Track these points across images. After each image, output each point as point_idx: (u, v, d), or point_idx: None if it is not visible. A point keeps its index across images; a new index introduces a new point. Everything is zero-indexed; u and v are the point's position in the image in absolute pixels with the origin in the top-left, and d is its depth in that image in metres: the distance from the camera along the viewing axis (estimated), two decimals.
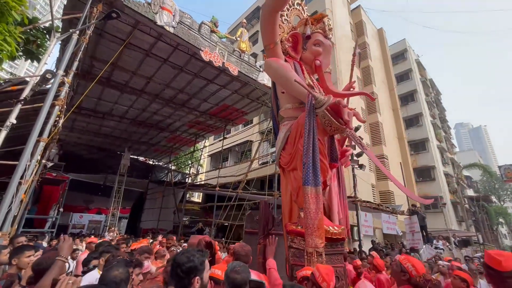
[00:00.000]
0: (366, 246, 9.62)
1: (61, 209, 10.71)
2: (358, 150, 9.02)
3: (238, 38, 8.56)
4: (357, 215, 7.51)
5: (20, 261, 1.99)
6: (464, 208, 22.61)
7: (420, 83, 24.56)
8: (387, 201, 15.29)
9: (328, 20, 3.35)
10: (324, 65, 3.22)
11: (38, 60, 6.86)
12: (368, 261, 3.92)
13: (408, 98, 23.90)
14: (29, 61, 7.01)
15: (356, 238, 10.14)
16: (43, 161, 7.48)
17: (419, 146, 22.02)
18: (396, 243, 11.22)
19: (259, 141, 12.77)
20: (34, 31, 6.29)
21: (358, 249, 7.44)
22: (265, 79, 8.90)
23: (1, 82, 5.02)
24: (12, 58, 5.25)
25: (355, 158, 8.10)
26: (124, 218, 21.03)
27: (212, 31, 7.73)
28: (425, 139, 21.69)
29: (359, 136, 2.59)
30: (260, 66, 8.90)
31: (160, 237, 6.92)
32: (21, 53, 6.53)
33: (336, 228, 2.35)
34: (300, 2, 3.82)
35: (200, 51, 7.27)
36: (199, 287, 1.31)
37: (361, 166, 8.26)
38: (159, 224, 16.12)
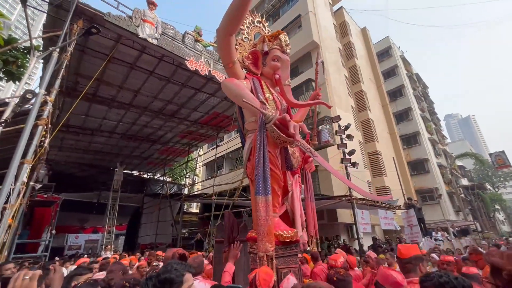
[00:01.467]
0: (367, 243, 9.61)
1: (54, 231, 10.40)
2: (350, 148, 9.08)
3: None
4: (353, 213, 7.49)
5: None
6: (460, 197, 22.89)
7: (407, 78, 25.05)
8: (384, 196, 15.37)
9: (284, 36, 3.59)
10: (283, 78, 3.47)
11: (20, 81, 6.74)
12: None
13: (396, 93, 24.31)
14: (16, 83, 6.89)
15: (355, 236, 10.13)
16: (31, 183, 7.29)
17: (411, 140, 22.32)
18: (395, 239, 11.24)
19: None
20: (13, 51, 6.19)
21: (359, 248, 7.40)
22: None
23: None
24: None
25: (347, 156, 8.12)
26: (122, 235, 20.62)
27: (196, 40, 7.73)
28: (416, 132, 22.01)
29: (311, 148, 2.82)
30: None
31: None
32: (1, 75, 6.42)
33: (289, 232, 2.56)
34: (260, 20, 4.07)
35: (186, 61, 7.25)
36: None
37: (354, 164, 8.28)
38: (157, 238, 15.82)
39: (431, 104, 30.61)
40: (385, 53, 26.03)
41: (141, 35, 6.30)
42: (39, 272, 1.30)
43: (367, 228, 7.54)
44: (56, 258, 10.49)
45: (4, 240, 5.62)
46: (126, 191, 16.60)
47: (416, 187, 20.37)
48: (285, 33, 3.68)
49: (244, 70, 3.50)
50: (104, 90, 9.10)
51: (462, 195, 23.83)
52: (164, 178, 18.86)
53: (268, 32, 3.94)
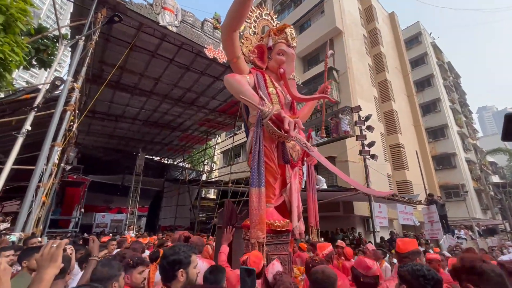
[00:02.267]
0: (385, 237, 9.42)
1: (82, 210, 11.19)
2: (370, 140, 8.78)
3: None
4: (370, 206, 7.34)
5: (30, 263, 2.08)
6: (489, 195, 21.57)
7: (437, 67, 23.45)
8: (405, 191, 14.83)
9: (290, 30, 3.62)
10: (288, 72, 3.53)
11: (50, 68, 7.14)
12: (337, 251, 4.12)
13: (424, 83, 22.90)
14: (47, 70, 7.32)
15: (371, 230, 9.97)
16: (62, 164, 7.85)
17: (437, 133, 21.12)
18: (414, 234, 10.91)
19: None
20: (44, 40, 6.54)
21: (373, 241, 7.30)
22: None
23: (16, 91, 5.26)
24: (24, 67, 5.49)
25: (366, 148, 7.87)
26: (144, 216, 21.81)
27: (215, 28, 7.70)
28: (444, 125, 20.77)
29: (306, 143, 2.95)
30: None
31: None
32: (35, 62, 6.83)
33: (281, 222, 2.76)
34: (268, 13, 4.11)
35: (204, 49, 7.27)
36: (183, 280, 1.35)
37: (373, 156, 8.02)
38: (176, 221, 16.55)
39: (462, 95, 28.56)
40: (414, 39, 24.40)
41: (161, 23, 6.38)
42: (65, 241, 1.42)
43: (384, 222, 7.37)
44: (85, 235, 11.38)
45: (40, 216, 6.17)
46: (148, 175, 17.38)
47: (441, 182, 19.43)
48: (291, 27, 3.72)
49: (250, 64, 3.60)
50: (127, 77, 9.42)
51: (492, 193, 22.40)
52: (184, 164, 19.46)
53: (276, 25, 3.96)
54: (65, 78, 4.81)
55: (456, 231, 10.61)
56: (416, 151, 12.18)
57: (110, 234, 11.56)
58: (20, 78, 47.80)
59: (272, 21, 4.06)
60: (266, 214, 2.80)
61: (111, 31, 7.07)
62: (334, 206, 10.72)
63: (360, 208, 10.56)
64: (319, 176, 9.08)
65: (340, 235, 9.77)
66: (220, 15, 7.89)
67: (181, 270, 1.36)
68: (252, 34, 3.81)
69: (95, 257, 1.83)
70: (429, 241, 8.18)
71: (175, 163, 20.77)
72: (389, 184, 14.23)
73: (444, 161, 20.26)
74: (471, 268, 1.43)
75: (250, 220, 2.63)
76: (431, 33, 26.35)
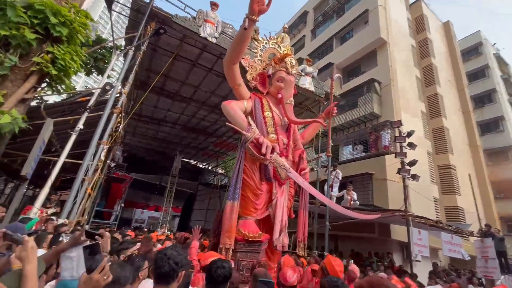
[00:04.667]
0: (427, 268, 8.37)
1: (122, 204, 12.11)
2: (409, 158, 8.02)
3: (280, 45, 8.54)
4: (408, 231, 6.62)
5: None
6: None
7: (501, 81, 20.75)
8: (455, 218, 13.16)
9: (290, 59, 4.14)
10: (285, 97, 3.97)
11: (108, 76, 8.01)
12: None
13: (484, 99, 20.41)
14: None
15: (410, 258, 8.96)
16: (108, 161, 8.66)
17: (499, 155, 18.52)
18: (469, 269, 9.50)
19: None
20: (103, 50, 7.40)
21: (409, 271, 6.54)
22: (306, 83, 8.69)
23: (75, 94, 6.00)
24: (86, 73, 6.21)
25: (406, 167, 7.19)
26: (178, 216, 22.84)
27: (253, 39, 7.89)
28: (508, 147, 18.14)
29: (285, 164, 3.43)
30: (301, 70, 8.72)
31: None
32: (93, 70, 7.76)
33: (254, 233, 3.16)
34: (276, 41, 4.75)
35: (241, 59, 7.48)
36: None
37: (414, 177, 7.28)
38: (206, 224, 16.95)
39: None
40: (473, 50, 22.03)
41: (202, 34, 6.77)
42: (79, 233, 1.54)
43: (424, 251, 6.56)
44: (122, 227, 12.29)
45: (85, 206, 6.84)
46: (184, 177, 18.27)
47: (502, 213, 16.82)
48: (292, 56, 4.24)
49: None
50: (170, 85, 10.12)
51: None
52: (217, 169, 20.01)
53: (283, 52, 4.56)
54: (114, 84, 5.35)
55: None
56: (469, 174, 10.75)
57: (145, 229, 12.31)
58: (85, 83, 54.66)
59: (279, 49, 4.56)
60: (244, 225, 3.22)
61: (158, 42, 7.70)
62: (368, 227, 9.95)
63: (398, 233, 9.61)
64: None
65: (374, 259, 8.98)
66: (258, 27, 8.08)
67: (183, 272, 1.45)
68: (257, 62, 4.31)
69: (104, 253, 1.92)
70: (482, 280, 7.06)
71: (210, 167, 21.49)
72: (436, 209, 12.76)
73: (507, 189, 17.55)
74: None
75: (222, 229, 3.04)
76: (494, 43, 23.57)
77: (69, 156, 5.91)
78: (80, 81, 56.16)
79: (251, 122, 3.50)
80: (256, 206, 3.39)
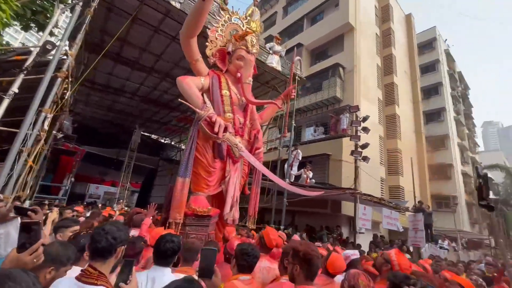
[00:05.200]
0: (369, 239, 9.48)
1: (73, 179, 11.26)
2: (362, 142, 8.69)
3: (249, 17, 8.20)
4: (354, 207, 7.35)
5: (65, 235, 2.10)
6: (479, 210, 21.64)
7: (447, 76, 23.00)
8: (396, 196, 14.87)
9: (251, 37, 4.05)
10: (244, 76, 3.92)
11: (51, 34, 6.95)
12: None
13: (431, 91, 22.53)
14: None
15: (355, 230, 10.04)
16: (54, 131, 7.81)
17: (438, 142, 20.98)
18: (401, 239, 10.99)
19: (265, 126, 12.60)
20: (44, 2, 6.35)
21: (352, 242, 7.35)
22: (274, 62, 8.61)
23: (8, 51, 5.15)
24: (22, 28, 5.32)
25: (358, 149, 7.80)
26: (137, 192, 22.03)
27: (222, 9, 7.44)
28: (445, 135, 20.60)
29: (237, 143, 3.53)
30: (270, 48, 8.58)
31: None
32: (32, 24, 6.67)
33: (203, 208, 3.31)
34: (239, 17, 4.63)
35: (207, 30, 7.05)
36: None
37: (364, 159, 7.96)
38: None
39: (469, 108, 28.18)
40: (428, 45, 23.80)
41: None
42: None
43: (367, 224, 7.39)
44: (79, 202, 11.54)
45: (27, 180, 6.19)
46: (144, 152, 17.43)
47: (434, 192, 19.47)
48: (253, 34, 4.17)
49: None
50: (128, 51, 9.22)
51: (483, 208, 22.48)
52: (180, 145, 19.45)
53: (245, 29, 4.39)
54: (58, 43, 4.68)
55: (439, 241, 10.70)
56: (411, 158, 12.08)
57: (100, 205, 11.70)
58: (26, 40, 47.09)
59: (242, 25, 4.45)
60: (194, 200, 3.33)
61: (114, 0, 6.84)
62: (322, 203, 10.76)
63: (348, 208, 10.60)
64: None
65: (325, 232, 9.85)
66: None
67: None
68: (218, 38, 4.18)
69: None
70: (409, 248, 8.26)
71: (172, 143, 20.76)
72: (381, 188, 14.24)
73: (440, 171, 20.22)
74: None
75: (172, 204, 3.15)
76: (446, 40, 25.69)
77: (4, 124, 5.19)
78: (19, 38, 48.28)
79: (206, 100, 3.54)
80: (208, 183, 3.49)
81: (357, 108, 8.37)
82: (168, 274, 1.68)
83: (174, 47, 8.77)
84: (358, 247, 7.48)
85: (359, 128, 8.09)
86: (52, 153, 10.92)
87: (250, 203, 4.05)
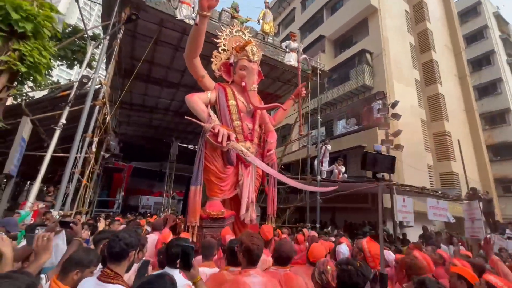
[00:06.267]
0: (415, 232, 8.76)
1: (122, 193, 12.50)
2: (403, 128, 8.07)
3: (261, 20, 8.32)
4: (391, 199, 6.86)
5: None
6: None
7: (500, 41, 20.11)
8: (449, 184, 13.41)
9: (250, 47, 4.26)
10: (249, 84, 4.19)
11: (90, 67, 7.93)
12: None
13: (482, 61, 19.91)
14: (87, 69, 8.19)
15: (403, 224, 9.31)
16: (101, 152, 8.82)
17: (496, 118, 18.43)
18: (456, 232, 9.88)
19: (303, 120, 12.47)
20: (81, 41, 7.28)
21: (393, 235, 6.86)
22: (291, 60, 8.54)
23: (56, 88, 6.02)
24: (68, 66, 6.17)
25: (390, 137, 7.27)
26: (182, 200, 23.55)
27: (233, 17, 7.68)
28: (506, 109, 17.99)
29: (242, 150, 3.75)
30: (286, 47, 8.55)
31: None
32: (76, 62, 7.69)
33: (217, 211, 3.58)
34: (240, 29, 4.80)
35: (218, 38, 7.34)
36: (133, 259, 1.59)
37: (397, 147, 7.38)
38: None
39: None
40: (471, 11, 21.11)
41: (178, 17, 6.60)
42: (53, 235, 1.70)
43: (408, 217, 6.82)
44: (133, 213, 12.80)
45: (86, 197, 7.11)
46: (184, 162, 18.54)
47: (498, 175, 17.08)
48: (252, 43, 4.37)
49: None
50: (156, 71, 10.00)
51: None
52: None
53: (248, 39, 4.64)
54: (92, 76, 5.34)
55: (508, 231, 9.35)
56: (458, 140, 10.79)
57: (148, 214, 12.79)
58: (69, 75, 53.73)
59: (244, 36, 4.62)
60: (209, 205, 3.65)
61: (137, 28, 7.52)
62: (362, 198, 10.22)
63: (390, 201, 9.93)
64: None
65: (367, 227, 9.35)
66: (238, 4, 7.82)
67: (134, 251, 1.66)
68: (222, 52, 4.44)
69: (78, 238, 2.09)
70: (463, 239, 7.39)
71: None
72: (430, 177, 12.98)
73: (504, 151, 17.69)
74: None
75: (188, 210, 3.51)
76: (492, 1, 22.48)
77: (59, 150, 6.06)
78: (67, 75, 55.17)
79: (211, 113, 3.86)
80: (222, 188, 3.79)
81: (382, 94, 7.82)
82: (177, 275, 1.85)
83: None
84: (405, 242, 6.98)
85: (388, 115, 7.54)
86: (105, 171, 12.33)
87: (268, 202, 4.19)
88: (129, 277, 1.86)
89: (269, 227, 2.88)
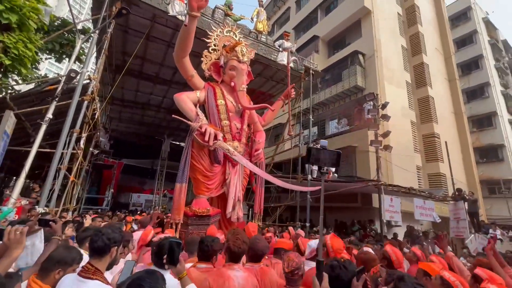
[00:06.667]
0: (401, 231, 8.94)
1: (112, 190, 12.33)
2: (392, 129, 8.20)
3: (255, 19, 8.30)
4: (379, 199, 6.97)
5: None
6: None
7: (488, 46, 20.62)
8: (437, 185, 13.72)
9: (240, 48, 4.34)
10: (238, 84, 4.21)
11: (79, 61, 7.77)
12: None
13: (471, 65, 20.37)
14: (76, 63, 8.02)
15: (391, 224, 9.49)
16: (90, 149, 8.68)
17: (484, 121, 18.92)
18: (442, 232, 10.13)
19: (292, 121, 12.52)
20: (70, 35, 7.12)
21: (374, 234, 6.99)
22: (284, 59, 8.56)
23: (42, 82, 5.88)
24: (56, 60, 6.03)
25: (379, 138, 7.39)
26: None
27: (227, 15, 7.65)
28: (492, 113, 18.49)
29: (229, 149, 3.78)
30: (279, 46, 8.56)
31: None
32: (64, 56, 7.52)
33: (202, 209, 3.62)
34: (231, 29, 4.80)
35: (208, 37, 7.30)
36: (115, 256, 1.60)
37: (386, 148, 7.51)
38: None
39: None
40: (462, 15, 21.56)
41: (170, 13, 6.53)
42: (26, 228, 1.65)
43: (396, 216, 6.96)
44: (124, 211, 12.64)
45: (73, 194, 6.99)
46: (176, 160, 18.40)
47: (483, 176, 17.55)
48: (242, 44, 4.42)
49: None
50: (148, 67, 9.87)
51: None
52: None
53: (239, 39, 4.72)
54: (81, 70, 5.23)
55: (490, 231, 9.63)
56: (446, 142, 11.04)
57: (138, 212, 12.68)
58: (59, 69, 52.59)
59: (234, 36, 4.66)
60: (196, 203, 3.68)
61: (128, 23, 7.41)
62: (351, 197, 10.37)
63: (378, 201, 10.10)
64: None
65: (356, 226, 9.50)
66: (231, 1, 7.79)
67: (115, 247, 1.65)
68: (212, 52, 4.47)
69: (57, 237, 2.05)
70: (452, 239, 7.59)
71: None
72: (418, 177, 13.25)
73: (490, 153, 18.20)
74: None
75: (172, 207, 3.59)
76: (482, 7, 23.02)
77: (47, 146, 5.93)
78: (64, 68, 53.91)
79: (199, 112, 3.91)
80: (208, 186, 3.83)
81: (373, 95, 7.93)
82: (166, 273, 1.84)
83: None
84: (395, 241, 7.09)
85: (378, 116, 7.66)
86: (94, 168, 12.12)
87: (256, 201, 4.22)
88: (114, 277, 1.85)
89: (254, 225, 2.92)
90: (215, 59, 4.57)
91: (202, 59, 4.45)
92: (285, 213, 11.47)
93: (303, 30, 17.90)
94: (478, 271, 1.92)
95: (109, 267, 1.70)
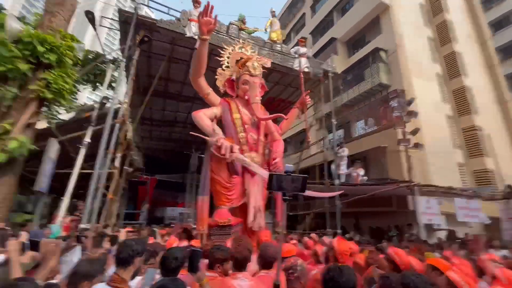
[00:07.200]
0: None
1: (147, 205, 13.01)
2: (425, 125, 7.68)
3: (268, 29, 8.48)
4: (414, 201, 6.48)
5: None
6: None
7: None
8: (485, 182, 12.40)
9: (251, 62, 4.50)
10: (252, 97, 4.35)
11: (112, 88, 8.51)
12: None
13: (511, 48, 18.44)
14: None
15: (433, 227, 8.73)
16: (125, 167, 9.32)
17: None
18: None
19: (310, 128, 12.34)
20: (103, 65, 7.88)
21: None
22: (299, 65, 8.56)
23: (80, 110, 6.54)
24: (93, 89, 6.68)
25: (408, 136, 6.93)
26: None
27: (241, 29, 7.92)
28: None
29: (245, 160, 3.89)
30: (295, 52, 8.61)
31: None
32: (98, 85, 8.31)
33: (224, 219, 3.75)
34: (242, 45, 4.98)
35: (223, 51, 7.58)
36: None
37: (416, 146, 7.01)
38: None
39: None
40: None
41: (188, 34, 6.94)
42: (60, 241, 1.85)
43: (435, 219, 6.40)
44: (161, 225, 13.25)
45: (112, 210, 7.52)
46: None
47: None
48: (253, 59, 4.62)
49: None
50: (172, 87, 10.50)
51: None
52: None
53: (251, 54, 4.91)
54: (111, 97, 5.76)
55: None
56: (489, 134, 9.99)
57: (172, 225, 13.15)
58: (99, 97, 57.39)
59: (246, 52, 4.84)
60: (217, 213, 3.83)
61: (151, 48, 7.99)
62: (385, 201, 9.76)
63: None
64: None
65: (393, 231, 8.90)
66: (244, 15, 8.07)
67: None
68: (225, 69, 4.76)
69: (87, 253, 2.24)
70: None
71: None
72: (461, 175, 12.12)
73: None
74: None
75: (196, 218, 3.80)
76: None
77: (87, 167, 6.51)
78: (96, 97, 58.96)
79: (215, 127, 3.99)
80: (229, 197, 3.96)
81: (396, 92, 7.53)
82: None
83: (208, 75, 9.59)
84: (438, 247, 6.53)
85: (404, 113, 7.23)
86: (130, 185, 12.94)
87: (277, 211, 4.25)
88: (136, 285, 1.97)
89: (267, 233, 2.96)
90: (228, 75, 4.84)
91: (216, 76, 4.73)
92: (315, 220, 11.16)
93: (320, 33, 17.78)
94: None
95: (133, 276, 1.83)
